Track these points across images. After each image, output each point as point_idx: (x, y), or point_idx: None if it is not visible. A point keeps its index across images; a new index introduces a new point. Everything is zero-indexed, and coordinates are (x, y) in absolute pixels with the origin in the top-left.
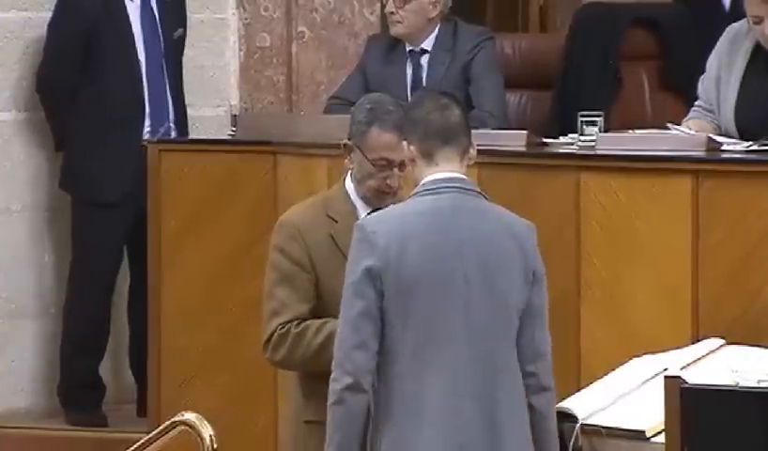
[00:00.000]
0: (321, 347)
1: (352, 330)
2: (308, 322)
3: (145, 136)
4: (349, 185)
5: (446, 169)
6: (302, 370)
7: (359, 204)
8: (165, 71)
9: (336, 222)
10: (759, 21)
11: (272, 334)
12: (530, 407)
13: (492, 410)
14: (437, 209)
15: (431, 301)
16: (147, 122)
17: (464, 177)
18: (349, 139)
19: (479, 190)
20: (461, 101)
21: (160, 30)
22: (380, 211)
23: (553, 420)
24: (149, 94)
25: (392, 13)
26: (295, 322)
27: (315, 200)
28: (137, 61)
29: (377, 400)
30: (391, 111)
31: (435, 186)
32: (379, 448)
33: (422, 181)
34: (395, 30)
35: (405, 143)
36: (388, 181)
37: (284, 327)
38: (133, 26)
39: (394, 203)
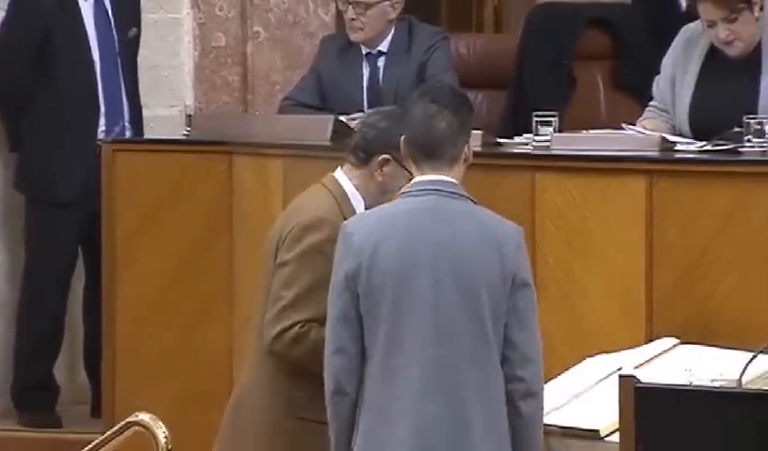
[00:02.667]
0: None
1: (332, 334)
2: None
3: (100, 136)
4: (348, 187)
5: (432, 173)
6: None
7: (359, 207)
8: (120, 71)
9: None
10: (712, 24)
11: (290, 328)
12: (517, 412)
13: (463, 411)
14: (415, 211)
15: (401, 302)
16: (102, 122)
17: (450, 180)
18: (387, 152)
19: (464, 193)
20: (456, 103)
21: (114, 30)
22: (363, 212)
23: (539, 427)
24: (104, 94)
25: (353, 19)
26: (316, 325)
27: (332, 203)
28: (91, 61)
29: (358, 399)
30: None
31: (418, 188)
32: (354, 446)
33: (411, 182)
34: (356, 37)
35: (402, 137)
36: None
37: (303, 326)
38: (87, 26)
39: None
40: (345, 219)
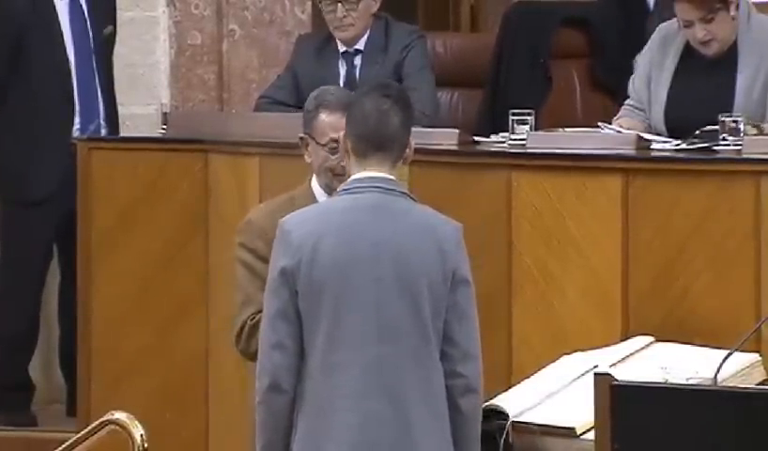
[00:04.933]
0: None
1: (269, 330)
2: None
3: (75, 134)
4: (315, 184)
5: (375, 170)
6: None
7: (323, 198)
8: (95, 69)
9: None
10: (689, 24)
11: (243, 327)
12: (457, 408)
13: (405, 409)
14: (355, 208)
15: (341, 299)
16: (77, 120)
17: (389, 177)
18: (304, 133)
19: (404, 190)
20: (405, 99)
21: (89, 28)
22: (301, 210)
23: (478, 423)
24: (79, 92)
25: (344, 17)
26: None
27: (282, 199)
28: (66, 59)
29: (295, 399)
30: (333, 93)
31: (358, 185)
32: (293, 446)
33: (348, 180)
34: (346, 34)
35: (342, 133)
36: (341, 163)
37: (254, 318)
38: (62, 24)
39: None
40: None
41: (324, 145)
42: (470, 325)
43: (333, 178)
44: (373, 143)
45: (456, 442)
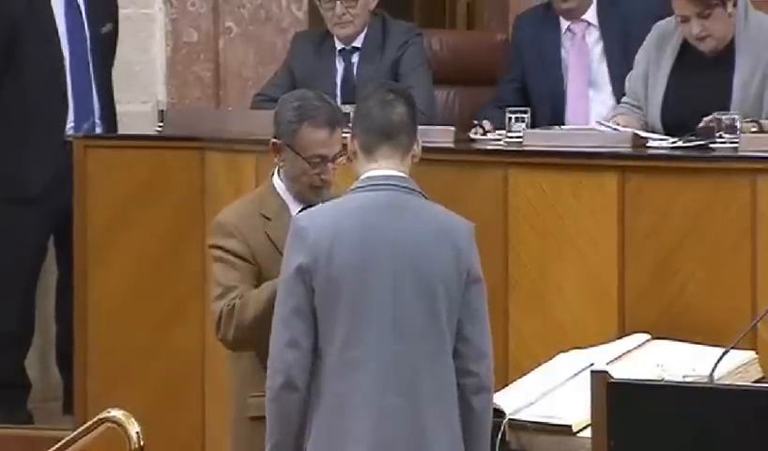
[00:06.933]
0: (269, 299)
1: (283, 328)
2: (249, 291)
3: (69, 133)
4: (278, 182)
5: (385, 166)
6: (257, 338)
7: (289, 200)
8: (91, 68)
9: (269, 219)
10: (685, 19)
11: (220, 316)
12: (469, 407)
13: (419, 407)
14: (371, 207)
15: (358, 298)
16: (71, 118)
17: (402, 174)
18: (277, 137)
19: (417, 188)
20: (409, 96)
21: (86, 25)
22: (316, 207)
23: (489, 421)
24: (73, 90)
25: (343, 15)
26: (237, 299)
27: (248, 200)
28: (60, 57)
29: (310, 397)
30: (318, 106)
31: (372, 183)
32: (307, 445)
33: (361, 177)
34: (346, 31)
35: (349, 135)
36: (322, 176)
37: (229, 304)
38: (58, 22)
39: (328, 197)
40: (262, 214)
41: (306, 158)
42: (483, 324)
43: (309, 190)
44: (380, 132)
45: (467, 440)
